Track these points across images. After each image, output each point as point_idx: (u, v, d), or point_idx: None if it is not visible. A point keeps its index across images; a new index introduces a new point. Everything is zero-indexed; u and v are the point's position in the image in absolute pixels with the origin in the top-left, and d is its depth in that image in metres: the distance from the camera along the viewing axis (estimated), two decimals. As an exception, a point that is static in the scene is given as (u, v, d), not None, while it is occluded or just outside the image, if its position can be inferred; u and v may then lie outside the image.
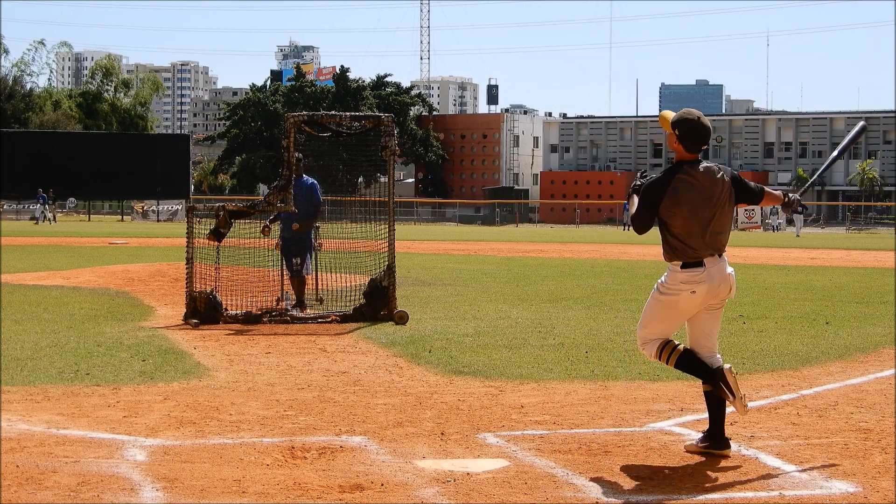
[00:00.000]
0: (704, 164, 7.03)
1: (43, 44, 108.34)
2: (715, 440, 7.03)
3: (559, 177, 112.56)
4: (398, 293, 14.60)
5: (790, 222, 62.44)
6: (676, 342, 7.15)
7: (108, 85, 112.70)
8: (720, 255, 7.07)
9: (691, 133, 6.99)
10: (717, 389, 7.01)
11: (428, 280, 21.25)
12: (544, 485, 6.30)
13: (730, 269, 7.19)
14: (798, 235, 55.90)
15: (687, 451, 7.09)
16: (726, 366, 7.05)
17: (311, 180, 15.07)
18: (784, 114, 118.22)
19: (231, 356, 11.26)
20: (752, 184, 7.28)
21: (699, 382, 9.69)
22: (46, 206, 66.42)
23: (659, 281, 7.11)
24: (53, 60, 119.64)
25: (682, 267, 6.97)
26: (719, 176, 7.00)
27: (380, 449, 7.09)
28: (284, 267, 15.39)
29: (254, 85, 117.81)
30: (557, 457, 6.96)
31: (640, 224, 7.11)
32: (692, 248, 6.94)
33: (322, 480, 6.29)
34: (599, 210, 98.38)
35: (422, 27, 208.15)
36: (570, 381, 9.78)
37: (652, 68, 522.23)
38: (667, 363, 7.16)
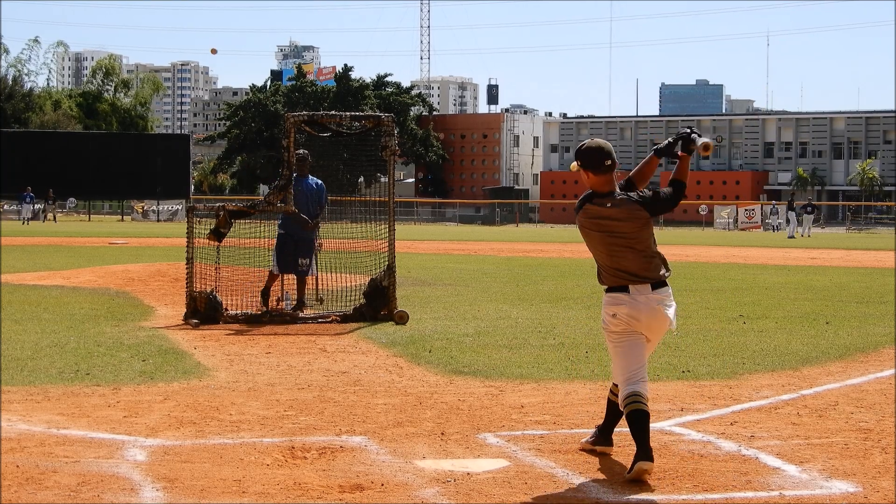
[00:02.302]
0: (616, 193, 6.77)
1: (38, 41, 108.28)
2: (605, 437, 7.10)
3: (559, 177, 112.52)
4: (398, 293, 14.60)
5: (789, 221, 62.21)
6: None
7: (108, 85, 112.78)
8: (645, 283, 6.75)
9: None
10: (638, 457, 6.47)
11: (428, 280, 21.25)
12: (544, 485, 6.30)
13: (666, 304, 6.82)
14: (803, 236, 55.37)
15: (581, 450, 7.11)
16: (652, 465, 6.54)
17: (318, 181, 15.06)
18: (784, 114, 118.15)
19: (231, 356, 11.26)
20: (663, 191, 6.88)
21: (700, 382, 9.72)
22: (33, 205, 66.32)
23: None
24: (52, 60, 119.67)
25: (606, 291, 6.86)
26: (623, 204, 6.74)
27: (380, 449, 7.09)
28: (276, 263, 15.15)
29: (254, 85, 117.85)
30: (558, 457, 6.96)
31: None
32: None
33: (322, 480, 6.30)
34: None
35: (422, 27, 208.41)
36: (570, 381, 9.79)
37: (652, 68, 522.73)
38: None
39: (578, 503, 6.01)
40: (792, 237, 53.86)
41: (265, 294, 15.03)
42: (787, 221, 58.98)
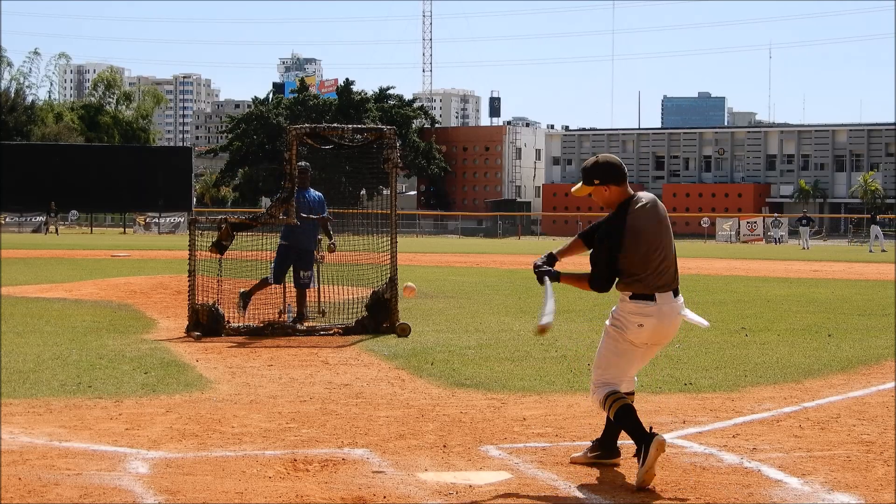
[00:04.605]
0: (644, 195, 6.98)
1: (38, 53, 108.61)
2: (606, 450, 7.06)
3: (561, 189, 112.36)
4: (400, 305, 14.60)
5: (793, 234, 62.05)
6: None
7: (110, 97, 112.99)
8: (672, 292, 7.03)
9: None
10: (640, 453, 6.54)
11: (430, 292, 21.23)
12: (546, 497, 6.30)
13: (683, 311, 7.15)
14: (805, 248, 55.27)
15: (572, 463, 7.05)
16: (663, 436, 6.62)
17: (318, 194, 15.08)
18: (786, 126, 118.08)
19: (233, 368, 11.26)
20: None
21: (702, 395, 9.71)
22: None
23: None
24: (53, 73, 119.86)
25: (630, 298, 6.96)
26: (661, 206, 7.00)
27: (382, 461, 7.09)
28: (273, 274, 15.19)
29: (256, 98, 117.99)
30: (560, 469, 6.95)
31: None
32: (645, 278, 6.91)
33: (324, 493, 6.29)
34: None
35: (424, 39, 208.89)
36: (572, 394, 9.78)
37: (654, 81, 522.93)
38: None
39: (580, 516, 6.00)
40: (876, 251, 51.92)
41: (247, 296, 14.98)
42: (873, 236, 55.45)
